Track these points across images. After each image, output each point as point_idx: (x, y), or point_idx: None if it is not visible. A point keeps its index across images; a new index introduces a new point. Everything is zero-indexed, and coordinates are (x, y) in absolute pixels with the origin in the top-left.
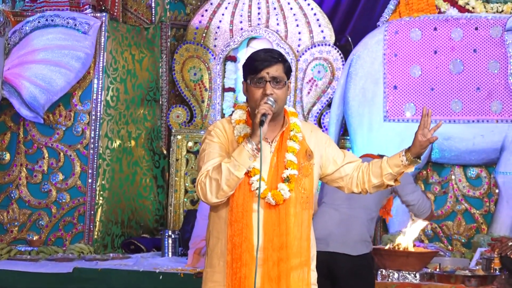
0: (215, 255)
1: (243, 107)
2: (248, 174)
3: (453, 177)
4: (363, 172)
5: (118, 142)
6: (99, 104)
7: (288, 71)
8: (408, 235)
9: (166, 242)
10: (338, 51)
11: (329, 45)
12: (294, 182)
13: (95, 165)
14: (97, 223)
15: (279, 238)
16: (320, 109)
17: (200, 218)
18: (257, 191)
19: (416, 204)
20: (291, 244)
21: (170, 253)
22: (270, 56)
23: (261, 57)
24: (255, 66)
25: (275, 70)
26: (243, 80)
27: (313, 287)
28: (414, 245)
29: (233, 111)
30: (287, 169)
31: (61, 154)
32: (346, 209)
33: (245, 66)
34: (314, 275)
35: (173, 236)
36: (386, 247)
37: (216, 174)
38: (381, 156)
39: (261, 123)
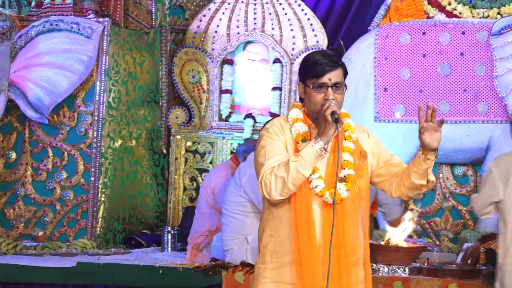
0: (268, 252)
1: (298, 106)
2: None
3: (440, 175)
4: (400, 175)
5: (119, 141)
6: (101, 105)
7: (345, 74)
8: (399, 231)
9: (166, 237)
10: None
11: (322, 49)
12: (350, 182)
13: (97, 164)
14: (100, 219)
15: (336, 237)
16: None
17: (198, 215)
18: (316, 189)
19: (389, 204)
20: (348, 243)
21: (169, 248)
22: (331, 61)
23: (322, 61)
24: (316, 71)
25: (337, 75)
26: (299, 81)
27: (360, 285)
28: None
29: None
30: (344, 168)
31: (65, 153)
32: None
33: (304, 69)
34: (362, 274)
35: (172, 232)
36: (376, 242)
37: (283, 172)
38: None
39: (336, 120)
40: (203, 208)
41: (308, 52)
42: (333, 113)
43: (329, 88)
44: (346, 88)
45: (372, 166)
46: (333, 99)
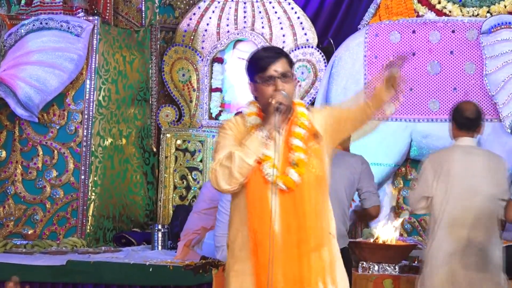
0: (237, 246)
1: (254, 103)
2: (260, 161)
3: None
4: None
5: (109, 140)
6: (91, 104)
7: (291, 63)
8: (389, 230)
9: (156, 236)
10: (320, 53)
11: (312, 47)
12: (303, 166)
13: (87, 162)
14: (90, 217)
15: (297, 221)
16: None
17: (195, 214)
18: (268, 177)
19: (367, 197)
20: (309, 226)
21: (159, 247)
22: (273, 53)
23: (264, 55)
24: (261, 64)
25: (281, 66)
26: (249, 81)
27: (338, 261)
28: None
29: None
30: (294, 154)
31: (55, 151)
32: None
33: (250, 67)
34: (336, 248)
35: (162, 230)
36: (366, 240)
37: (229, 162)
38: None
39: (278, 109)
40: (200, 207)
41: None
42: (279, 103)
43: (277, 79)
44: (295, 77)
45: (338, 121)
46: (283, 90)
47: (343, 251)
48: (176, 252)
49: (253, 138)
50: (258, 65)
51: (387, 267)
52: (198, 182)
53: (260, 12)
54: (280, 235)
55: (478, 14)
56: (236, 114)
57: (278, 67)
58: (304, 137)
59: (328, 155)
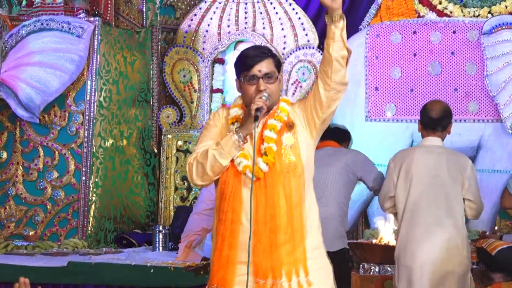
0: (220, 237)
1: (241, 98)
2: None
3: None
4: (321, 69)
5: (110, 141)
6: (92, 105)
7: (278, 64)
8: (390, 230)
9: (157, 237)
10: (321, 54)
11: (313, 48)
12: (272, 155)
13: (88, 163)
14: (91, 219)
15: (269, 209)
16: None
17: (194, 213)
18: (239, 166)
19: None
20: (280, 213)
21: (160, 248)
22: (260, 52)
23: (251, 54)
24: (246, 63)
25: (266, 66)
26: (236, 78)
27: (315, 256)
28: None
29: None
30: (264, 144)
31: (56, 153)
32: (320, 207)
33: (236, 64)
34: (313, 245)
35: (163, 232)
36: (367, 241)
37: (203, 158)
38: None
39: (256, 118)
40: (202, 209)
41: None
42: (257, 109)
43: (260, 79)
44: (278, 78)
45: (317, 114)
46: (265, 89)
47: (341, 252)
48: (177, 253)
49: (227, 139)
50: (244, 63)
51: (388, 268)
52: None
53: (261, 12)
54: (252, 223)
55: (479, 15)
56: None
57: (262, 67)
58: (277, 128)
59: (310, 146)
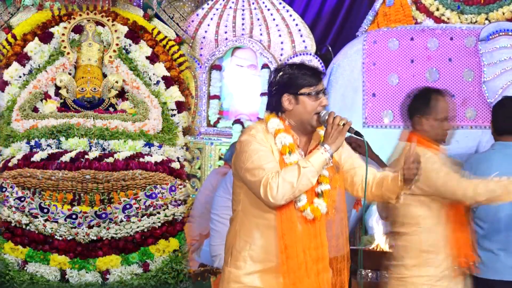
0: (242, 257)
1: (275, 116)
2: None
3: None
4: (373, 181)
5: None
6: None
7: None
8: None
9: None
10: (319, 60)
11: (310, 54)
12: (327, 197)
13: None
14: None
15: (316, 251)
16: None
17: (191, 220)
18: (299, 203)
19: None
20: (326, 256)
21: None
22: (319, 70)
23: (313, 70)
24: (312, 79)
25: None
26: (284, 94)
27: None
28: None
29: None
30: (321, 183)
31: None
32: None
33: (295, 80)
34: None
35: None
36: (365, 248)
37: (291, 176)
38: None
39: (357, 133)
40: (197, 213)
41: (284, 66)
42: (345, 123)
43: (323, 94)
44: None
45: (345, 168)
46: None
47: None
48: None
49: (318, 156)
50: (309, 78)
51: (386, 275)
52: (196, 190)
53: (258, 19)
54: (303, 262)
55: (476, 21)
56: (236, 122)
57: (322, 83)
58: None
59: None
